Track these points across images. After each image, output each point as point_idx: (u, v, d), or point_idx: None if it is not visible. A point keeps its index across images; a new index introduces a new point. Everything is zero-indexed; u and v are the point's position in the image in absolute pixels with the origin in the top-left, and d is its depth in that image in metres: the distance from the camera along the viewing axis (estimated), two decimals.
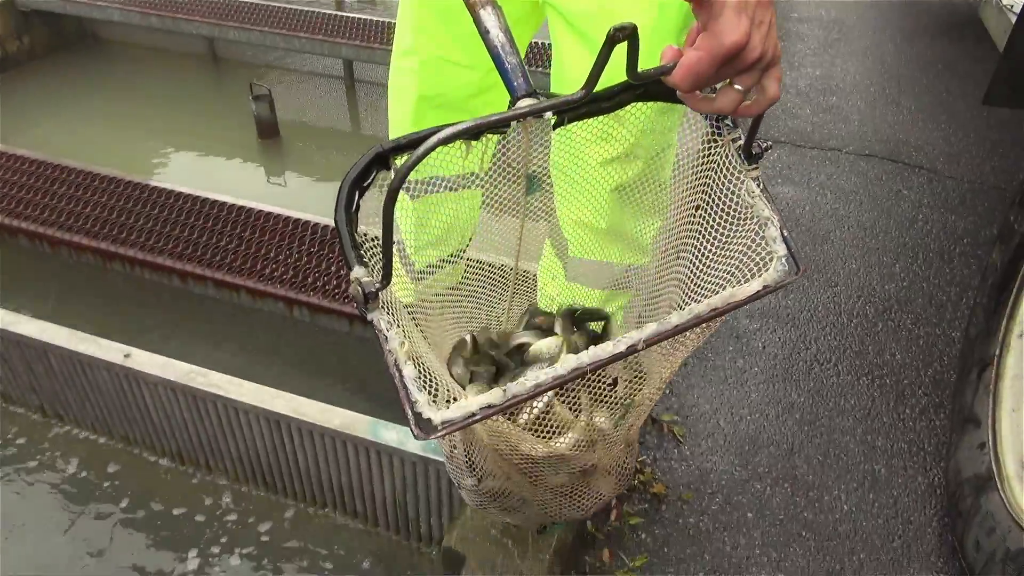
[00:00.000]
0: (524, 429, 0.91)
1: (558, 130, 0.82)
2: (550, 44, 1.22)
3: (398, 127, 1.30)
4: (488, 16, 0.78)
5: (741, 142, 0.81)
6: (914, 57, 3.80)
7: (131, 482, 2.11)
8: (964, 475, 1.51)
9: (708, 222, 0.87)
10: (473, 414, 0.67)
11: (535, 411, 0.91)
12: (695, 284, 0.90)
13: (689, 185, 0.92)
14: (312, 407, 1.77)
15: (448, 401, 0.69)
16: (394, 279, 0.69)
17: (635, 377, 0.95)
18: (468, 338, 1.10)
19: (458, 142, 0.75)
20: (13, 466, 2.17)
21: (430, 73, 1.20)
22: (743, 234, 0.82)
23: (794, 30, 4.13)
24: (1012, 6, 2.65)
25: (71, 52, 5.23)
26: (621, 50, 0.66)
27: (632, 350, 0.72)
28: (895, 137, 3.06)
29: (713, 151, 0.84)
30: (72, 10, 4.90)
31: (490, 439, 0.88)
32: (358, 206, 0.68)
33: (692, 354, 1.48)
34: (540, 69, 3.82)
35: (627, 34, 0.64)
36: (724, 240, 0.85)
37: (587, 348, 0.72)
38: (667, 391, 1.90)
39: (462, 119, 0.65)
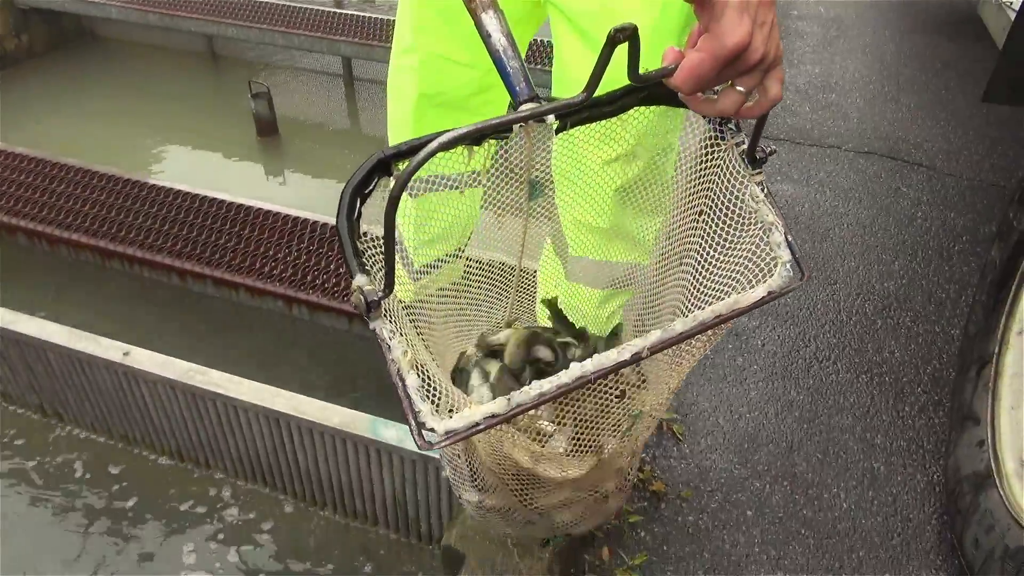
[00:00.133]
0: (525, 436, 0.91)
1: (560, 135, 0.82)
2: (551, 42, 1.22)
3: (398, 125, 1.29)
4: (490, 20, 0.77)
5: (744, 146, 0.80)
6: (913, 54, 3.80)
7: (131, 481, 2.11)
8: (963, 473, 1.51)
9: (712, 227, 0.86)
10: (477, 423, 0.66)
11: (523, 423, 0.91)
12: (699, 290, 0.89)
13: (691, 187, 0.91)
14: (312, 405, 1.77)
15: (451, 410, 0.68)
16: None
17: (641, 383, 0.94)
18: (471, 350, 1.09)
19: (460, 147, 0.75)
20: (13, 465, 2.17)
21: (430, 71, 1.19)
22: (747, 239, 0.81)
23: (793, 27, 4.12)
24: (1011, 3, 2.65)
25: (70, 50, 5.22)
26: (622, 51, 0.65)
27: (637, 358, 0.71)
28: (894, 134, 3.06)
29: (716, 155, 0.84)
30: (71, 8, 4.89)
31: (489, 458, 0.88)
32: (360, 213, 0.68)
33: None
34: (540, 67, 3.81)
35: (628, 35, 0.63)
36: (728, 245, 0.84)
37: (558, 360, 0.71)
38: None
39: (462, 117, 0.65)
